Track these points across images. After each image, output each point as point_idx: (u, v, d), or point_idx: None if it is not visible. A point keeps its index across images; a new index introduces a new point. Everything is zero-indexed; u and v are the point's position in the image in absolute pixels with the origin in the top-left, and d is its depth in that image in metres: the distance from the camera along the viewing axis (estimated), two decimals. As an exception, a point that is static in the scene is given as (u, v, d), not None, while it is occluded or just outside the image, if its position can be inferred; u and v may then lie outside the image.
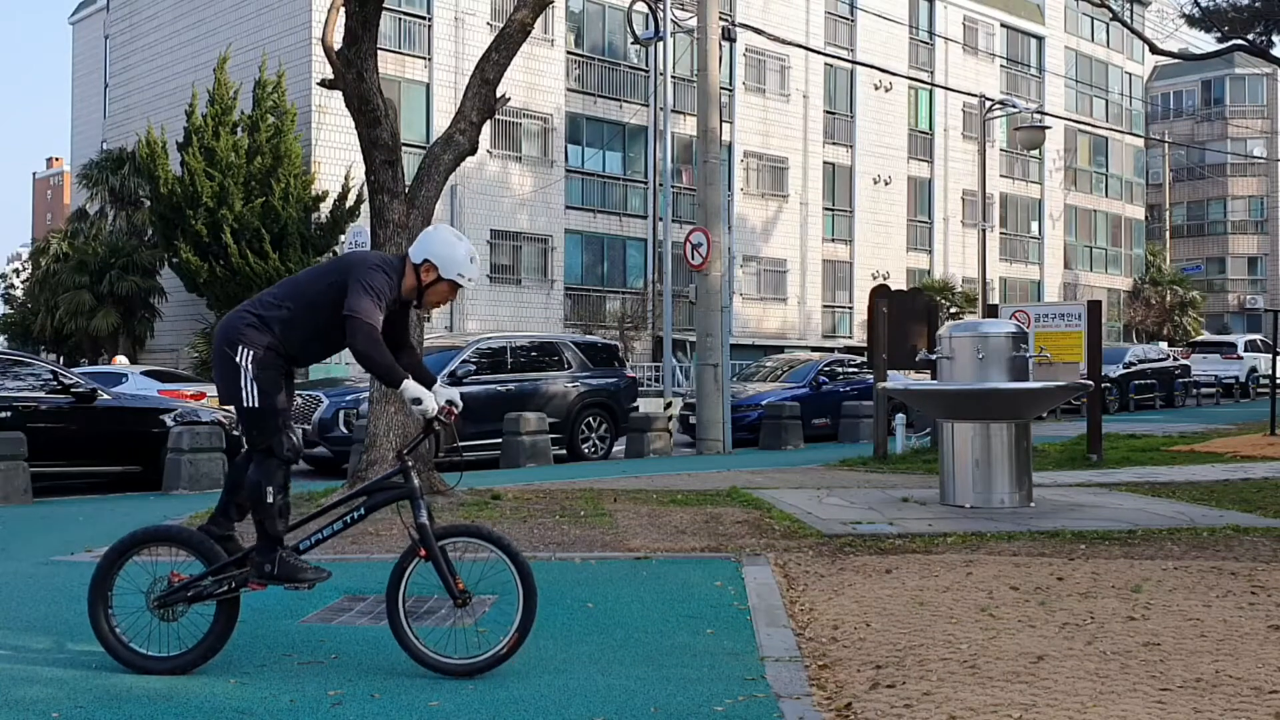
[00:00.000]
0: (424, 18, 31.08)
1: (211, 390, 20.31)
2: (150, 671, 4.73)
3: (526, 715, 4.24)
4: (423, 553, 4.70)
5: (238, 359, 4.76)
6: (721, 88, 19.47)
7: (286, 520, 4.78)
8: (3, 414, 11.72)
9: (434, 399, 4.67)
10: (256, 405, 4.75)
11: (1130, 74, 53.17)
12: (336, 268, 4.89)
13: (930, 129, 43.67)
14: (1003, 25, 46.38)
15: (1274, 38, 20.21)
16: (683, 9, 29.13)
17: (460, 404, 4.88)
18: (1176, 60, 34.94)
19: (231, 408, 4.94)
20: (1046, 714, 4.16)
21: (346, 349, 4.85)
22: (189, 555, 4.88)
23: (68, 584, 6.81)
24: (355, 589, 6.48)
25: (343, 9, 10.25)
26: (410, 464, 4.79)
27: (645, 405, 18.80)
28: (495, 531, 4.98)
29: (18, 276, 51.46)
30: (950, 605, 5.96)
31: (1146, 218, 55.66)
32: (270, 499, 4.67)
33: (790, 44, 29.18)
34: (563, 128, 33.57)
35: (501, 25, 11.18)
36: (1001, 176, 45.36)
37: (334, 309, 4.74)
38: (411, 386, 4.63)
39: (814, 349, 34.09)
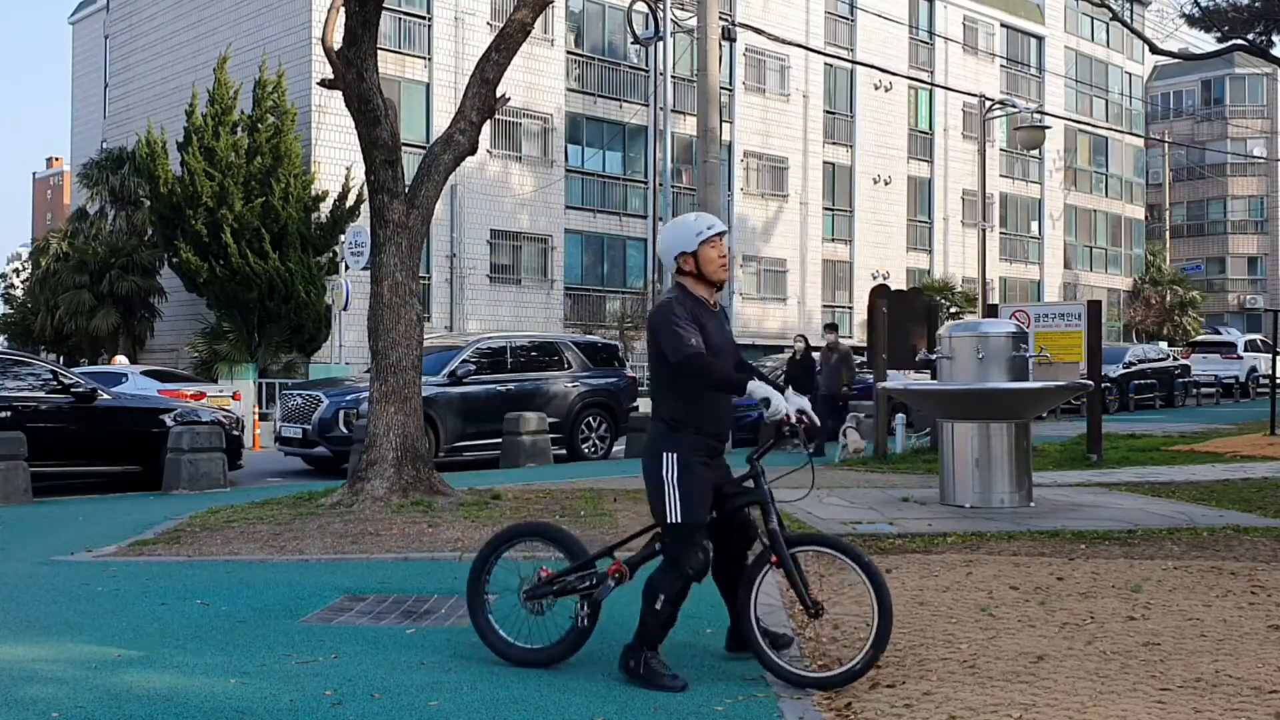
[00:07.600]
0: (424, 18, 31.08)
1: (212, 390, 20.25)
2: (520, 662, 4.86)
3: (526, 715, 4.24)
4: (774, 559, 4.65)
5: (663, 473, 4.66)
6: (721, 88, 19.46)
7: (667, 631, 4.69)
8: (3, 414, 11.73)
9: (784, 402, 4.54)
10: (679, 521, 4.63)
11: (1130, 74, 53.16)
12: (651, 340, 4.84)
13: (930, 129, 43.66)
14: (1003, 25, 46.37)
15: (1274, 38, 20.18)
16: (683, 9, 29.11)
17: (813, 415, 4.67)
18: (1176, 60, 34.93)
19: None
20: (1046, 714, 4.16)
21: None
22: (556, 551, 5.00)
23: (68, 584, 6.81)
24: (355, 589, 6.48)
25: (343, 9, 10.25)
26: (762, 470, 4.71)
27: (645, 405, 18.77)
28: (846, 542, 4.92)
29: (18, 276, 51.40)
30: (950, 605, 5.96)
31: (1146, 218, 55.64)
32: (659, 607, 4.60)
33: (790, 44, 29.14)
34: (563, 128, 33.56)
35: (501, 25, 11.18)
36: (1001, 176, 45.35)
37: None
38: (759, 387, 4.51)
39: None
